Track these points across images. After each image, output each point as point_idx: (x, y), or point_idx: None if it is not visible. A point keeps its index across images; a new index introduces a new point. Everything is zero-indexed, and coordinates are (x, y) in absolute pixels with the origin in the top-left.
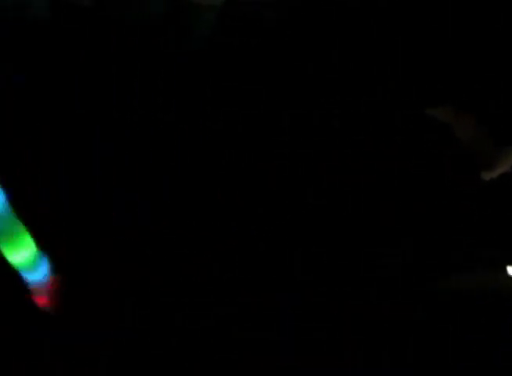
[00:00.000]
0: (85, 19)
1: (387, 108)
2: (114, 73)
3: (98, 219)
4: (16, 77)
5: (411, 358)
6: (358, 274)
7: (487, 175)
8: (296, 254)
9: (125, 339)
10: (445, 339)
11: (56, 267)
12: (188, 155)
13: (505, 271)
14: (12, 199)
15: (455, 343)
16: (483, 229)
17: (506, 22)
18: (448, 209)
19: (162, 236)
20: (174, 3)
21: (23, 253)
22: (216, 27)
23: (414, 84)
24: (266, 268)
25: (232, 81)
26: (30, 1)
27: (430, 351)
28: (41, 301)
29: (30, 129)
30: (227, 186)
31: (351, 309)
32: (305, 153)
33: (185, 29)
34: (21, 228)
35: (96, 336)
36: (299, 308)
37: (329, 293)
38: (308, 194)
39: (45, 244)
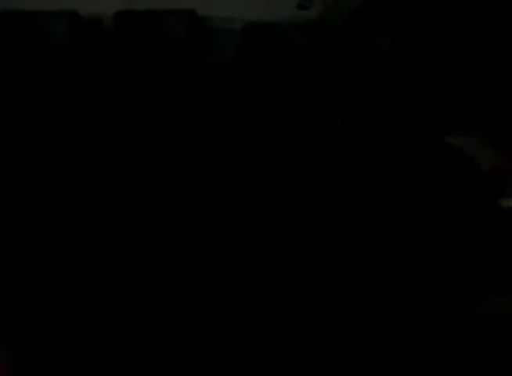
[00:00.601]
0: (107, 42)
1: (412, 136)
2: (134, 92)
3: (100, 219)
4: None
5: (412, 356)
6: (359, 272)
7: (506, 202)
8: (298, 253)
9: (128, 338)
10: (446, 337)
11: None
12: (190, 156)
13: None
14: (13, 199)
15: (456, 341)
16: (499, 255)
17: None
18: (461, 230)
19: (165, 236)
20: (196, 27)
21: None
22: (236, 49)
23: (438, 113)
24: (268, 267)
25: (251, 99)
26: (53, 23)
27: (431, 349)
28: None
29: (36, 132)
30: (229, 186)
31: (353, 307)
32: (307, 154)
33: (206, 51)
34: None
35: (99, 335)
36: (301, 306)
37: (330, 291)
38: (310, 194)
39: (45, 243)
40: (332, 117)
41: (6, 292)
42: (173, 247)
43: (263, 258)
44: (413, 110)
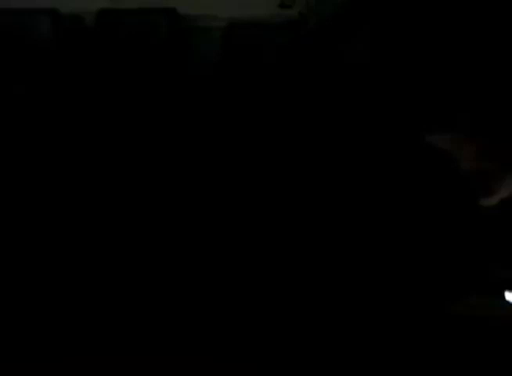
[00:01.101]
0: (88, 41)
1: (388, 135)
2: (117, 91)
3: (100, 219)
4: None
5: (411, 360)
6: (358, 275)
7: (486, 202)
8: (296, 255)
9: (126, 337)
10: (444, 342)
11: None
12: (189, 158)
13: (503, 296)
14: (13, 199)
15: (453, 347)
16: (480, 253)
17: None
18: (446, 233)
19: (164, 236)
20: (179, 25)
21: None
22: (219, 47)
23: (414, 111)
24: (267, 267)
25: (234, 96)
26: (34, 21)
27: (429, 353)
28: None
29: (33, 139)
30: (228, 188)
31: (351, 309)
32: (306, 154)
33: (188, 49)
34: None
35: (99, 334)
36: (299, 308)
37: (329, 293)
38: (308, 196)
39: (45, 243)
40: (310, 115)
41: (6, 292)
42: (172, 248)
43: (262, 259)
44: (394, 109)
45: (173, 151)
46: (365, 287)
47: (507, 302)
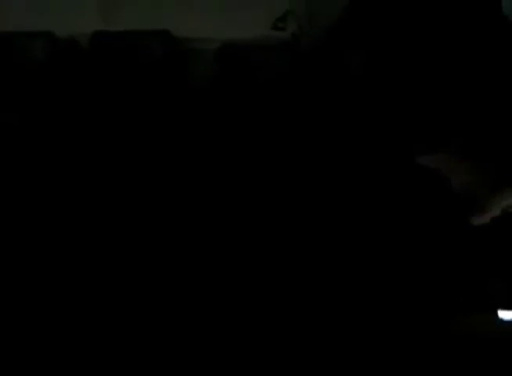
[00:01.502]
0: (83, 63)
1: (379, 155)
2: (112, 114)
3: (100, 219)
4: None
5: (410, 363)
6: (357, 277)
7: (477, 221)
8: (294, 256)
9: (126, 339)
10: (440, 360)
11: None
12: (190, 161)
13: (495, 314)
14: (12, 200)
15: (450, 365)
16: (471, 273)
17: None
18: (437, 253)
19: (162, 237)
20: (173, 47)
21: None
22: (213, 68)
23: (406, 131)
24: (265, 268)
25: (230, 115)
26: (29, 44)
27: (424, 371)
28: None
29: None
30: (227, 189)
31: (351, 311)
32: (306, 155)
33: (182, 71)
34: None
35: (99, 334)
36: (297, 310)
37: (328, 295)
38: (307, 196)
39: (45, 244)
40: (305, 133)
41: (6, 292)
42: (172, 247)
43: (260, 260)
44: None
45: (167, 171)
46: (359, 305)
47: (501, 320)
